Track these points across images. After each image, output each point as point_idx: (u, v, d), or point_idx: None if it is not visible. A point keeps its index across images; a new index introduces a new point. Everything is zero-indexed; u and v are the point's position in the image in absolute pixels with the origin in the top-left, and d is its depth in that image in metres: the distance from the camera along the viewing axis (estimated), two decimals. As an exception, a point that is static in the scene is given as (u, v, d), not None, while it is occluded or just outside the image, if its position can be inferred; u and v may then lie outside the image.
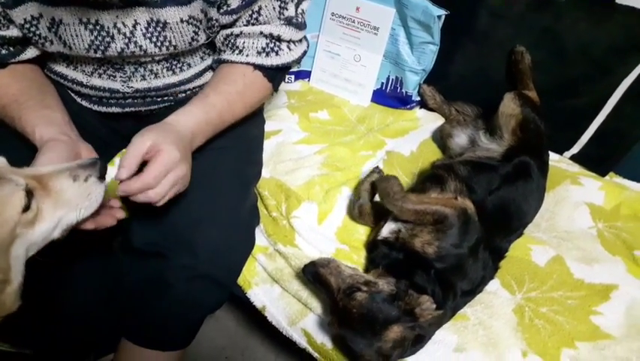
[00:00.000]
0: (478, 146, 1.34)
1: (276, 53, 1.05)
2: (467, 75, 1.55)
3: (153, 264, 1.01)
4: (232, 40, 1.04)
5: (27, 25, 0.90)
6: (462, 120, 1.51)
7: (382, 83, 1.62)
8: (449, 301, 0.99)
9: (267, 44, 1.03)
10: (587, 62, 1.38)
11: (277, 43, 1.04)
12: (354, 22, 1.54)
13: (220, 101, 0.99)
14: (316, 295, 1.07)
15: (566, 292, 1.09)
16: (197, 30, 0.98)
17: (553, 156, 1.46)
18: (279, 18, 1.01)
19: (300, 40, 1.09)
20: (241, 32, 1.02)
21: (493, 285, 1.10)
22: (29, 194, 0.68)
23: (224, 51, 1.07)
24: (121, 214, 0.86)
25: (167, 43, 0.98)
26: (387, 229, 1.09)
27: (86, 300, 1.11)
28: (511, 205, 1.14)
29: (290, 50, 1.06)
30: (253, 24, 1.01)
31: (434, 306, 0.89)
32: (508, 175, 1.18)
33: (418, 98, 1.62)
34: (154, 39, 0.96)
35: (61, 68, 1.06)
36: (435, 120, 1.57)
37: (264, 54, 1.04)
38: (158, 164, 0.80)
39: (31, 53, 0.99)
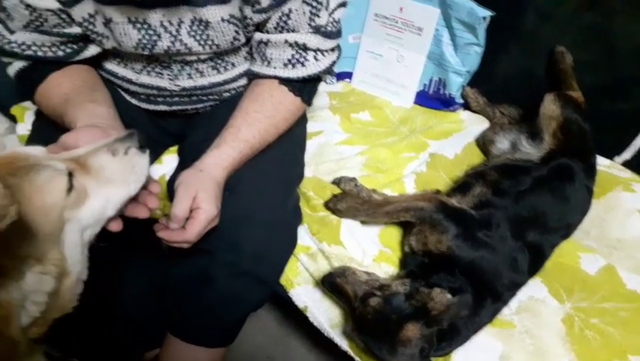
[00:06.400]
0: (519, 150, 1.32)
1: (302, 64, 1.02)
2: (512, 77, 1.52)
3: (198, 260, 1.02)
4: (263, 50, 1.04)
5: (85, 23, 0.93)
6: (506, 124, 1.48)
7: (425, 84, 1.60)
8: (487, 299, 0.97)
9: (293, 55, 1.01)
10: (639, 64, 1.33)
11: (303, 53, 1.01)
12: (397, 22, 1.53)
13: (252, 135, 1.00)
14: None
15: (619, 304, 1.05)
16: (237, 30, 0.99)
17: (603, 161, 1.41)
18: (309, 25, 0.99)
19: (332, 50, 1.06)
20: (268, 40, 1.01)
21: (541, 292, 1.07)
22: (70, 176, 0.67)
23: (256, 60, 1.08)
24: (154, 203, 0.84)
25: (209, 42, 0.99)
26: (406, 245, 1.10)
27: (134, 296, 1.13)
28: (544, 205, 1.12)
29: (317, 60, 1.03)
30: (282, 29, 0.99)
31: (448, 296, 0.88)
32: (542, 177, 1.16)
33: (462, 101, 1.59)
34: (197, 37, 0.98)
35: (112, 66, 1.09)
36: (480, 123, 1.54)
37: (290, 66, 1.02)
38: (198, 223, 0.87)
39: (92, 50, 1.01)
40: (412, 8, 1.49)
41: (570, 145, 1.24)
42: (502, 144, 1.37)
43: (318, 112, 1.51)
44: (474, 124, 1.54)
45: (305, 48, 1.01)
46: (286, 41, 1.00)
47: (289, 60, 1.02)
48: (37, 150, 0.69)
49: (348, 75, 1.69)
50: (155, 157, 1.21)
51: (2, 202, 0.47)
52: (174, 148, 1.26)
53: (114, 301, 1.09)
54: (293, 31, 0.99)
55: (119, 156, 0.75)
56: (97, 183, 0.71)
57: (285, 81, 1.04)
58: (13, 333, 0.60)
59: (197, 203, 0.88)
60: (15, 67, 0.98)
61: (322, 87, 1.65)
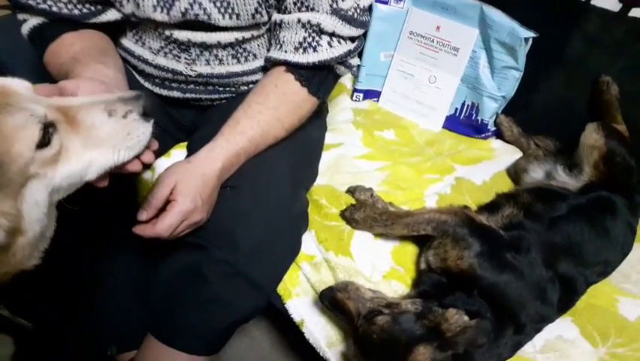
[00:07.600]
0: (554, 179, 1.21)
1: (314, 49, 0.95)
2: (552, 106, 1.43)
3: (190, 255, 0.94)
4: (277, 33, 0.98)
5: None
6: (540, 155, 1.38)
7: (456, 108, 1.52)
8: (508, 328, 0.86)
9: (305, 38, 0.94)
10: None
11: (316, 36, 0.94)
12: (433, 41, 1.47)
13: (250, 126, 0.94)
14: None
15: (662, 354, 0.92)
16: (260, 1, 0.94)
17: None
18: (330, 5, 0.92)
19: (350, 39, 0.97)
20: (282, 21, 0.95)
21: (571, 332, 0.94)
22: (50, 127, 0.59)
23: (270, 46, 1.02)
24: (149, 158, 0.75)
25: (230, 10, 0.93)
26: (422, 260, 1.01)
27: (118, 287, 1.04)
28: (581, 235, 1.01)
29: (331, 46, 0.95)
30: (301, 4, 0.92)
31: (464, 318, 0.78)
32: (580, 205, 1.06)
33: (494, 128, 1.50)
34: (218, 3, 0.92)
35: (129, 44, 1.05)
36: (512, 153, 1.44)
37: (300, 50, 0.95)
38: (171, 216, 0.82)
39: (109, 15, 0.96)
40: (450, 27, 1.43)
41: (613, 178, 1.13)
42: (536, 173, 1.26)
43: (340, 125, 1.44)
44: (506, 153, 1.44)
45: (320, 31, 0.93)
46: (299, 21, 0.93)
47: (300, 43, 0.95)
48: (22, 87, 0.61)
49: (376, 94, 1.62)
50: (164, 150, 1.15)
51: None
52: (185, 143, 1.20)
53: (95, 286, 1.00)
54: (312, 10, 0.92)
55: (116, 117, 0.66)
56: (82, 143, 0.64)
57: (292, 68, 0.97)
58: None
59: (174, 195, 0.84)
60: (29, 24, 0.94)
61: (347, 103, 1.58)
